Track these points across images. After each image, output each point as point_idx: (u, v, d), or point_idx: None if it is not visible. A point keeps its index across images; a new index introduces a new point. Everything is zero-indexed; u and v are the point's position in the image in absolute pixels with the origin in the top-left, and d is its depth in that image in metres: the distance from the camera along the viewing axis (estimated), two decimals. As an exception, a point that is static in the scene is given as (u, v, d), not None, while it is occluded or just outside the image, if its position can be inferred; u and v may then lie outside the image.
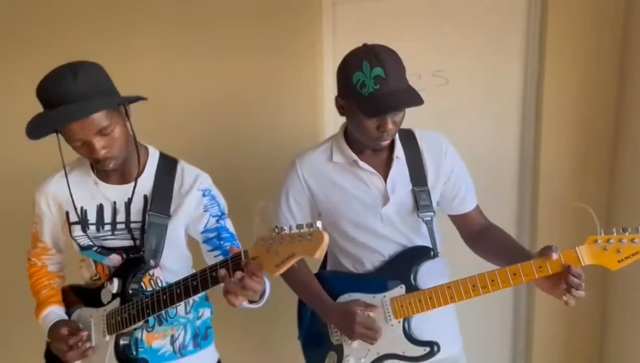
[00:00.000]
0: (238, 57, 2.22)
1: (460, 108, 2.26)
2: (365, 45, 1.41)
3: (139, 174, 1.42)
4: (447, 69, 2.24)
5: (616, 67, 2.11)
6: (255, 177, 2.25)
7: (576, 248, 1.27)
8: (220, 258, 1.38)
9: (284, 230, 1.08)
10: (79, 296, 1.52)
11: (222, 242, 1.43)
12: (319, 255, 1.04)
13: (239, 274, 1.12)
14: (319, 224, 1.05)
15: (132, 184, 1.41)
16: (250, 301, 1.27)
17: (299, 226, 1.07)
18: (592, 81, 2.13)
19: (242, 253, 1.14)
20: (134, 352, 1.42)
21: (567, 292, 1.28)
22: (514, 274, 1.33)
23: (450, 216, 1.62)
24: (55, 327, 1.44)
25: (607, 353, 2.28)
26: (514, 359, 2.48)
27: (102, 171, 1.41)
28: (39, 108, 1.27)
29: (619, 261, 1.23)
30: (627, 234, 1.23)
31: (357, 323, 1.45)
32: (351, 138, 1.51)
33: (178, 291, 1.26)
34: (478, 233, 1.59)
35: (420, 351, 1.46)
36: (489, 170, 2.27)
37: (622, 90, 2.12)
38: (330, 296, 1.56)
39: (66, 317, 1.49)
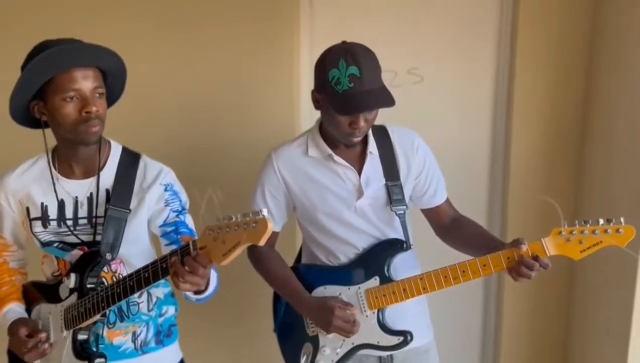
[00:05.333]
0: (214, 53, 2.21)
1: (435, 105, 2.31)
2: (344, 42, 1.43)
3: (101, 167, 1.41)
4: (422, 67, 2.27)
5: (583, 68, 2.19)
6: (232, 171, 2.25)
7: (542, 239, 1.32)
8: None
9: (231, 218, 1.08)
10: (40, 292, 1.49)
11: (179, 237, 1.42)
12: (263, 242, 1.06)
13: (187, 260, 1.14)
14: (264, 212, 1.06)
15: (94, 178, 1.40)
16: (196, 292, 1.28)
17: (245, 214, 1.07)
18: (561, 80, 2.20)
19: (191, 243, 1.14)
20: (94, 348, 1.40)
21: (525, 275, 1.33)
22: (484, 265, 1.37)
23: (422, 209, 1.66)
24: (15, 326, 1.41)
25: (572, 344, 2.36)
26: (483, 348, 2.55)
27: (63, 166, 1.41)
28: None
29: (582, 251, 1.29)
30: (588, 226, 1.28)
31: (335, 317, 1.47)
32: (326, 132, 1.53)
33: (131, 283, 1.25)
34: (449, 225, 1.63)
35: (395, 340, 1.50)
36: (462, 166, 2.32)
37: (589, 90, 2.20)
38: (306, 289, 1.58)
39: (26, 315, 1.47)
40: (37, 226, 1.41)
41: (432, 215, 1.65)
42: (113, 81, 1.38)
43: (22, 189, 1.42)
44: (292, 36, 2.20)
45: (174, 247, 1.40)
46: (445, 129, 2.31)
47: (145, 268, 1.23)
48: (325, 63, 1.39)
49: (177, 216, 1.44)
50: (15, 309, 1.47)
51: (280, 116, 2.24)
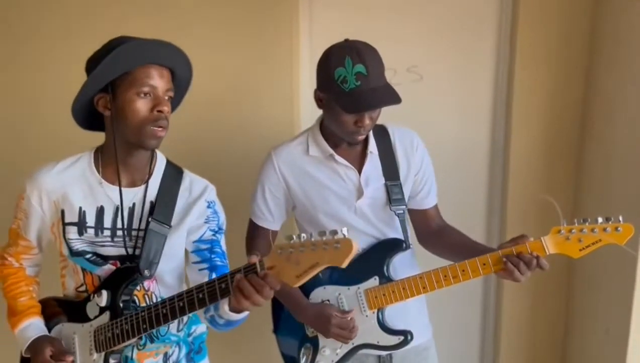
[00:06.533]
0: (212, 52, 2.20)
1: (434, 104, 2.31)
2: (347, 40, 1.43)
3: (149, 176, 1.33)
4: (421, 65, 2.27)
5: (583, 67, 2.19)
6: (231, 171, 2.25)
7: (541, 238, 1.32)
8: (206, 272, 1.35)
9: (304, 237, 1.00)
10: (61, 308, 1.38)
11: (212, 256, 1.36)
12: (346, 264, 0.97)
13: (254, 278, 1.05)
14: (344, 231, 0.98)
15: (140, 188, 1.32)
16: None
17: (321, 234, 0.99)
18: (560, 79, 2.20)
19: (258, 263, 1.06)
20: None
21: (522, 272, 1.32)
22: (484, 264, 1.37)
23: (409, 210, 1.65)
24: (39, 344, 1.30)
25: (571, 343, 2.36)
26: (482, 347, 2.54)
27: (109, 170, 1.31)
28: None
29: (581, 250, 1.29)
30: (587, 224, 1.28)
31: (332, 325, 1.47)
32: (327, 131, 1.53)
33: (181, 304, 1.14)
34: (435, 230, 1.63)
35: (395, 340, 1.50)
36: (461, 164, 2.33)
37: (588, 90, 2.19)
38: (305, 289, 1.58)
39: (47, 332, 1.35)
40: (72, 233, 1.29)
41: (420, 217, 1.65)
42: (176, 90, 1.31)
43: (59, 189, 1.29)
44: (292, 35, 2.20)
45: (203, 265, 1.36)
46: (444, 127, 2.31)
47: (199, 287, 1.12)
48: (330, 62, 1.39)
49: (213, 234, 1.38)
50: (38, 324, 1.35)
51: (280, 115, 2.24)
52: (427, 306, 1.69)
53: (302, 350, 1.59)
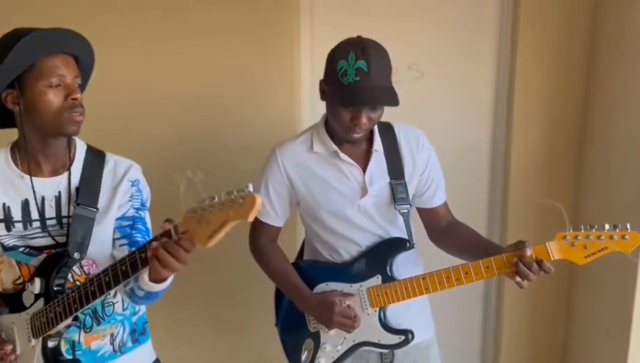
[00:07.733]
0: (214, 49, 2.19)
1: (435, 102, 2.31)
2: (359, 37, 1.42)
3: (71, 163, 1.34)
4: (422, 63, 2.27)
5: (584, 67, 2.19)
6: (232, 168, 2.24)
7: (546, 243, 1.32)
8: (126, 248, 1.35)
9: (214, 198, 1.01)
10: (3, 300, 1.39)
11: (133, 232, 1.36)
12: (252, 218, 0.98)
13: (169, 244, 1.06)
14: (250, 187, 0.99)
15: (63, 176, 1.33)
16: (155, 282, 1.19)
17: (229, 193, 1.00)
18: (561, 80, 2.21)
19: (172, 228, 1.07)
20: (70, 355, 1.31)
21: (523, 274, 1.33)
22: (487, 267, 1.37)
23: (418, 209, 1.65)
24: None
25: (572, 344, 2.39)
26: (483, 347, 2.57)
27: (28, 162, 1.31)
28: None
29: (586, 257, 1.29)
30: (593, 231, 1.28)
31: (335, 313, 1.47)
32: (331, 128, 1.52)
33: (107, 279, 1.15)
34: (444, 228, 1.63)
35: (396, 339, 1.51)
36: (461, 164, 2.33)
37: (589, 90, 2.20)
38: (308, 286, 1.58)
39: None
40: (0, 230, 1.30)
41: (428, 215, 1.65)
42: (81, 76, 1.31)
43: None
44: (293, 33, 2.19)
45: (123, 241, 1.36)
46: (445, 125, 2.31)
47: (121, 260, 1.13)
48: (336, 54, 1.39)
49: (136, 211, 1.39)
50: None
51: (281, 113, 2.23)
52: (429, 305, 1.69)
53: (304, 345, 1.60)
